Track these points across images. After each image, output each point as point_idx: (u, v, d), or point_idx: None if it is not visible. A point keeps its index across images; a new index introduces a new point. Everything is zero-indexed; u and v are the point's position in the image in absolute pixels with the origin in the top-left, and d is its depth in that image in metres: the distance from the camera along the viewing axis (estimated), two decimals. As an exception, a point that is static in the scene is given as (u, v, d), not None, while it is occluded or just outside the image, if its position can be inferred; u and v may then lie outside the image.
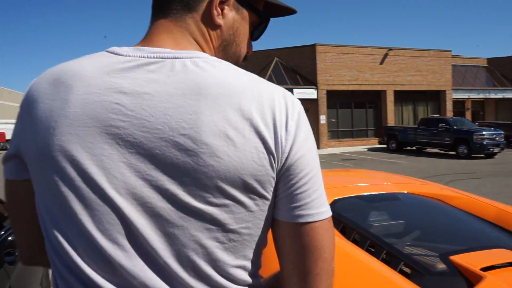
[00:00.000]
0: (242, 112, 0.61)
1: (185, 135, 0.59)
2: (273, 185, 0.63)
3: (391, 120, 23.26)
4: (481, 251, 1.44)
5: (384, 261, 1.44)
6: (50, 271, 0.71)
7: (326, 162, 15.16)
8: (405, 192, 2.02)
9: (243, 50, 0.75)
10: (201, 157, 0.59)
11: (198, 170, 0.59)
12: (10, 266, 2.18)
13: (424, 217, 1.88)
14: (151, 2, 0.72)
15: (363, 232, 1.60)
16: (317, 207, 0.65)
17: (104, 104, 0.61)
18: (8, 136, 26.17)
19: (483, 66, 28.99)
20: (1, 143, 27.01)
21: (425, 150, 18.77)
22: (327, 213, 0.66)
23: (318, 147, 20.84)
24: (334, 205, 1.80)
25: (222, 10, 0.70)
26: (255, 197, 0.62)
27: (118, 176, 0.60)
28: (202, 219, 0.61)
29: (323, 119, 21.36)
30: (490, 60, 29.36)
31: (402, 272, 1.38)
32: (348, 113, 22.93)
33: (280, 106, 0.63)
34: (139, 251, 0.61)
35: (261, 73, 20.18)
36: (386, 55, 23.04)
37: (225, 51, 0.73)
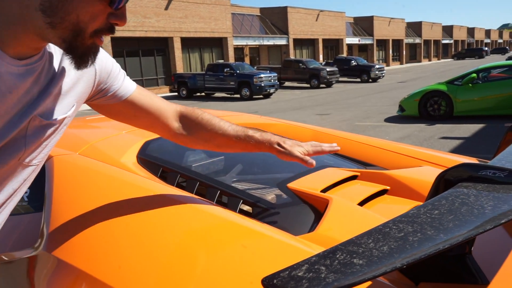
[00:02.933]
0: None
1: None
2: None
3: (180, 68, 23.41)
4: (312, 174, 1.36)
5: (221, 203, 1.21)
6: None
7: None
8: (223, 125, 1.82)
9: (83, 19, 0.72)
10: None
11: None
12: None
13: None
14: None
15: (188, 174, 1.32)
16: None
17: None
18: None
19: (257, 15, 31.90)
20: None
21: (214, 95, 19.79)
22: None
23: (108, 99, 19.32)
24: (146, 148, 1.46)
25: None
26: None
27: None
28: None
29: (109, 68, 19.71)
30: (262, 10, 32.51)
31: (242, 212, 1.18)
32: (136, 61, 21.87)
33: None
34: None
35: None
36: (170, 1, 22.56)
37: (50, 13, 0.68)
